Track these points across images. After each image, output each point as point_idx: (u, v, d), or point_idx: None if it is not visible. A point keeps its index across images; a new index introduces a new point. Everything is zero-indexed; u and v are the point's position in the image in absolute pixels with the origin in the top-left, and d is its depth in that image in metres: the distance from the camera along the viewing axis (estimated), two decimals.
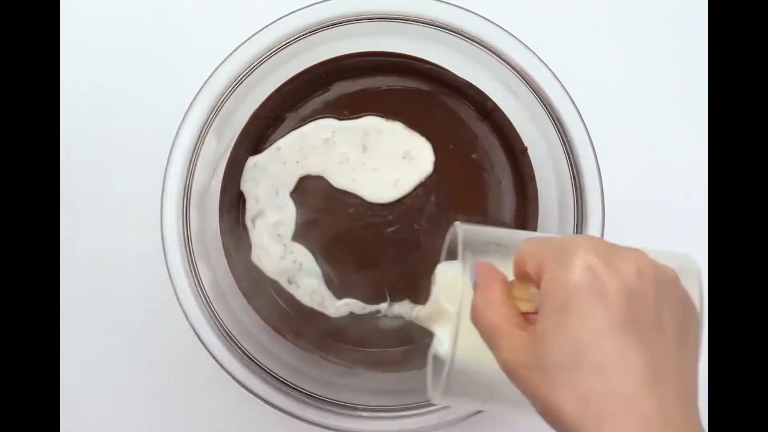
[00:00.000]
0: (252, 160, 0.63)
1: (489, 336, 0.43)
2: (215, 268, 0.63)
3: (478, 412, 0.59)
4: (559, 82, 0.59)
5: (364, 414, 0.60)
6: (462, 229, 0.47)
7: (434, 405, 0.60)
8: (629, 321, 0.40)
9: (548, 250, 0.42)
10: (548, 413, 0.41)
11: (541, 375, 0.41)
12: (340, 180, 0.63)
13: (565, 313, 0.40)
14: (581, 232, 0.59)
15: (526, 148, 0.63)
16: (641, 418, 0.39)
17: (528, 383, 0.41)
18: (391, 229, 0.63)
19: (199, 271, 0.60)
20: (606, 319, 0.40)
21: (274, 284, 0.64)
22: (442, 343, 0.49)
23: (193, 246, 0.60)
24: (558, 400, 0.40)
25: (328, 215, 0.63)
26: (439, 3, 0.60)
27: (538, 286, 0.42)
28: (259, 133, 0.64)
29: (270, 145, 0.64)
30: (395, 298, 0.62)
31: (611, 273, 0.40)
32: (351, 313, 0.64)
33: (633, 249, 0.42)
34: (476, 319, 0.44)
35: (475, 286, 0.45)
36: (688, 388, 0.41)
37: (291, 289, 0.63)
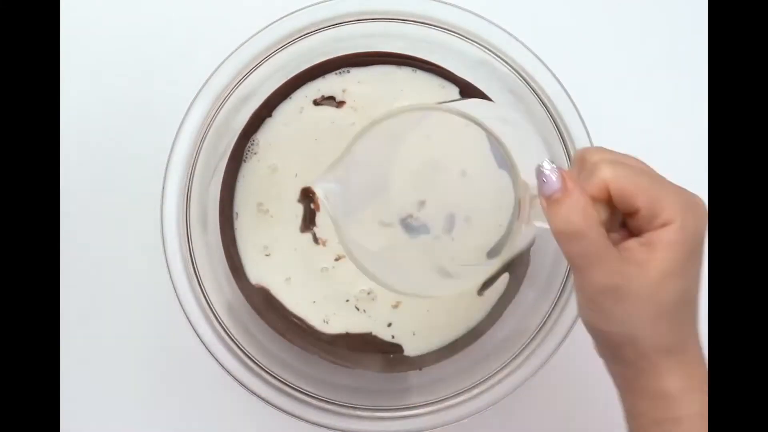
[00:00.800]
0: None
1: (587, 256, 0.44)
2: (215, 267, 0.63)
3: (478, 413, 0.60)
4: (559, 82, 0.59)
5: (363, 414, 0.60)
6: None
7: (434, 405, 0.60)
8: (690, 251, 0.45)
9: (672, 195, 0.44)
10: (634, 345, 0.45)
11: (650, 309, 0.44)
12: None
13: (690, 262, 0.44)
14: None
15: None
16: (669, 345, 0.45)
17: (631, 318, 0.44)
18: None
19: (199, 271, 0.60)
20: (701, 269, 0.45)
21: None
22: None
23: (193, 246, 0.60)
24: (657, 334, 0.45)
25: None
26: (439, 3, 0.60)
27: (628, 215, 0.45)
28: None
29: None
30: None
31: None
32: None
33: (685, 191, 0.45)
34: (573, 235, 0.44)
35: (556, 197, 0.45)
36: (696, 316, 0.46)
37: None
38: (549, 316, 0.60)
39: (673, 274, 0.44)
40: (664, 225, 0.44)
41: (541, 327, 0.60)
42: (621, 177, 0.44)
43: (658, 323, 0.44)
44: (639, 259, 0.44)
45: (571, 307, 0.59)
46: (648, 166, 0.46)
